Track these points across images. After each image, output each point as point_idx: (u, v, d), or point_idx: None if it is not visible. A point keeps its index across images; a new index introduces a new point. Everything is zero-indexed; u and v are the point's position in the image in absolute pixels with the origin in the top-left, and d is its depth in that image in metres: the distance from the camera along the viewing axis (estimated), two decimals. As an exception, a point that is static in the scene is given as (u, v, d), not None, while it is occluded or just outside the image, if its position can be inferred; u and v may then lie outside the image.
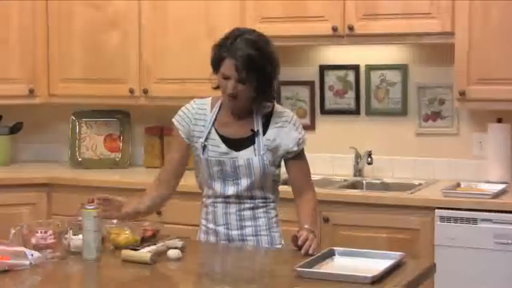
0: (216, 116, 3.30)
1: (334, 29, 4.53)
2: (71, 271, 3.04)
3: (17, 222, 3.45)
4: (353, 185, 4.74)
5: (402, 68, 4.83)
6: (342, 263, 2.91)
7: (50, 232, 3.06)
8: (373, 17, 4.49)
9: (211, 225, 3.32)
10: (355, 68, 4.93)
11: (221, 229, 3.29)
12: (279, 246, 3.29)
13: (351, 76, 4.96)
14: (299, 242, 3.07)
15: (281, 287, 2.75)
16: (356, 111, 4.95)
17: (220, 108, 3.31)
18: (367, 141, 4.89)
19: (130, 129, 5.48)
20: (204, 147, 3.26)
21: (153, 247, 3.06)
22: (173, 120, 3.38)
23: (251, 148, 3.23)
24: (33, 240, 3.03)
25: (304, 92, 5.04)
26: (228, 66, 3.14)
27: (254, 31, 3.24)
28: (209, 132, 3.27)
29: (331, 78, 5.00)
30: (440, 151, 4.77)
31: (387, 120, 4.89)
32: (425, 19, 4.38)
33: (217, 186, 3.27)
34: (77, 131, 5.48)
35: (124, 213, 3.27)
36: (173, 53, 4.96)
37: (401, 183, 4.68)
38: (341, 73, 4.97)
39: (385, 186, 4.72)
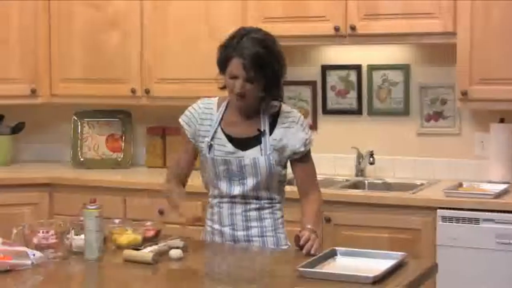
0: (222, 116, 3.30)
1: (336, 29, 4.53)
2: (73, 271, 3.04)
3: (19, 222, 3.46)
4: (355, 185, 4.74)
5: (404, 68, 4.83)
6: (344, 263, 2.91)
7: (52, 232, 3.06)
8: (375, 17, 4.49)
9: (216, 226, 3.31)
10: (357, 68, 4.93)
11: (227, 229, 3.28)
12: (285, 247, 3.28)
13: (353, 76, 4.96)
14: (301, 242, 3.07)
15: (283, 287, 2.75)
16: (358, 111, 4.95)
17: (226, 107, 3.31)
18: (369, 141, 4.89)
19: (132, 129, 5.48)
20: (210, 147, 3.25)
21: (155, 247, 3.06)
22: (180, 120, 3.39)
23: (257, 148, 3.22)
24: (35, 240, 3.03)
25: (306, 92, 5.04)
26: (235, 65, 3.13)
27: (260, 29, 3.23)
28: (215, 132, 3.27)
29: (333, 78, 5.00)
30: (442, 151, 4.77)
31: (389, 120, 4.89)
32: (427, 19, 4.38)
33: (223, 186, 3.26)
34: (79, 131, 5.48)
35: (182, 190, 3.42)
36: (174, 53, 4.96)
37: (403, 183, 4.67)
38: (343, 73, 4.97)
39: (387, 186, 4.72)
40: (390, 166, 4.87)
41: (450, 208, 4.12)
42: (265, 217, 3.28)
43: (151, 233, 3.26)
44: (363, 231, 4.23)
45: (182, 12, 4.93)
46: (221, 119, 3.29)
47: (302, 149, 3.25)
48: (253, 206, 3.26)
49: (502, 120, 4.53)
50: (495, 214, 4.03)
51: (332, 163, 4.93)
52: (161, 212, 4.66)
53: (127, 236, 3.19)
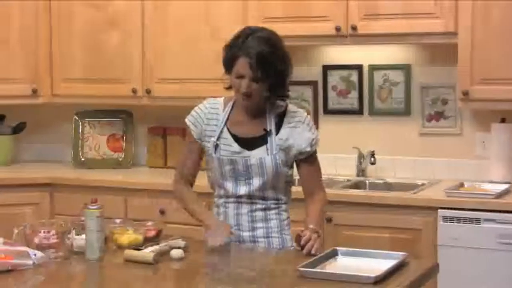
0: (228, 116, 3.29)
1: (337, 29, 4.53)
2: (74, 271, 3.04)
3: (20, 222, 3.46)
4: (356, 185, 4.74)
5: (405, 68, 4.83)
6: (345, 263, 2.91)
7: (53, 232, 3.07)
8: (376, 17, 4.48)
9: None
10: (358, 68, 4.93)
11: (232, 230, 3.27)
12: (291, 249, 3.27)
13: (354, 76, 4.95)
14: (302, 242, 3.07)
15: (284, 287, 2.74)
16: (359, 111, 4.95)
17: (232, 107, 3.30)
18: (370, 141, 4.89)
19: (133, 129, 5.48)
20: (216, 146, 3.25)
21: (156, 247, 3.06)
22: (186, 120, 3.37)
23: (263, 148, 3.21)
24: (36, 240, 3.04)
25: (307, 92, 5.04)
26: (242, 65, 3.12)
27: (264, 29, 3.23)
28: (221, 132, 3.26)
29: (334, 78, 5.00)
30: (443, 151, 4.77)
31: (390, 120, 4.89)
32: (428, 19, 4.38)
33: (229, 186, 3.26)
34: (80, 131, 5.48)
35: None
36: (174, 53, 4.96)
37: (404, 183, 4.67)
38: (344, 73, 4.97)
39: (388, 186, 4.71)
40: (391, 166, 4.87)
41: (451, 208, 4.12)
42: (271, 218, 3.27)
43: (152, 233, 3.26)
44: (364, 231, 4.23)
45: (183, 12, 4.93)
46: (227, 119, 3.28)
47: (308, 149, 3.25)
48: (259, 206, 3.26)
49: (503, 120, 4.53)
50: (496, 214, 4.03)
51: (333, 163, 4.93)
52: (162, 212, 4.66)
53: (128, 236, 3.19)
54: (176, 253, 3.04)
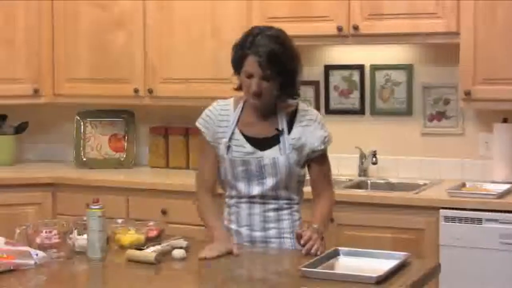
0: (239, 116, 3.28)
1: (339, 29, 4.53)
2: (76, 270, 3.04)
3: (22, 222, 3.47)
4: (358, 185, 4.73)
5: (407, 68, 4.83)
6: (347, 263, 2.91)
7: (55, 232, 3.07)
8: (378, 17, 4.48)
9: (233, 226, 3.29)
10: (360, 68, 4.93)
11: (244, 230, 3.26)
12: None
13: (356, 76, 4.95)
14: (302, 242, 3.06)
15: (286, 287, 2.74)
16: (361, 111, 4.95)
17: (243, 108, 3.29)
18: (372, 141, 4.89)
19: (135, 129, 5.48)
20: (228, 147, 3.23)
21: (158, 247, 3.06)
22: (197, 123, 3.34)
23: (276, 148, 3.21)
24: (38, 240, 3.04)
25: (309, 92, 5.03)
26: (251, 64, 3.12)
27: (273, 28, 3.22)
28: (232, 133, 3.25)
29: (336, 78, 5.00)
30: (445, 151, 4.77)
31: (392, 120, 4.89)
32: (430, 19, 4.38)
33: (241, 186, 3.24)
34: (82, 131, 5.48)
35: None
36: (179, 53, 4.97)
37: (406, 183, 4.67)
38: (346, 73, 4.97)
39: (390, 186, 4.71)
40: (393, 166, 4.87)
41: (453, 208, 4.11)
42: (284, 218, 3.26)
43: (154, 233, 3.26)
44: (366, 231, 4.23)
45: (187, 12, 4.93)
46: (238, 119, 3.27)
47: (321, 147, 3.25)
48: (271, 206, 3.24)
49: (505, 120, 4.53)
50: (498, 214, 4.02)
51: (335, 163, 4.86)
52: (164, 212, 4.67)
53: (130, 236, 3.19)
54: (178, 253, 3.04)
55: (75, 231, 3.13)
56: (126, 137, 5.47)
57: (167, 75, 5.01)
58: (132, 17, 5.08)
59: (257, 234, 3.25)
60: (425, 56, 4.79)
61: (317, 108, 5.03)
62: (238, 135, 3.25)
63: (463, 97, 4.38)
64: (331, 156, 4.89)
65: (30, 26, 5.23)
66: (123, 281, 2.88)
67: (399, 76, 4.85)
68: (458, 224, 4.09)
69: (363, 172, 4.88)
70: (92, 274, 3.02)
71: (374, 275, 2.66)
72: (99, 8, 5.16)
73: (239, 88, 3.25)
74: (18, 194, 4.92)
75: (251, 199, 3.24)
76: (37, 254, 2.94)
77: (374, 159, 4.84)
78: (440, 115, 4.78)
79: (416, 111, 4.83)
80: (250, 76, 3.14)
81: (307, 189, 3.36)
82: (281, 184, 3.22)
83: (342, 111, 4.99)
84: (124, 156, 5.44)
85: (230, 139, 3.24)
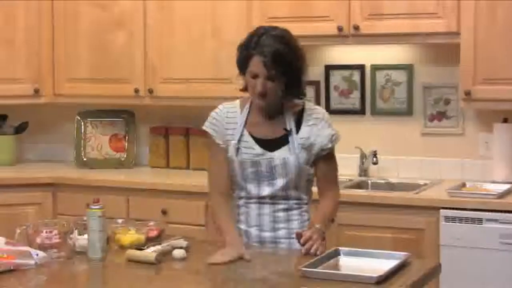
0: (246, 118, 3.27)
1: (340, 29, 4.53)
2: (76, 270, 3.04)
3: (23, 222, 3.47)
4: (358, 185, 4.73)
5: (408, 68, 4.83)
6: (347, 263, 2.91)
7: (55, 232, 3.07)
8: (378, 17, 4.48)
9: (242, 226, 3.28)
10: (361, 68, 4.93)
11: (253, 230, 3.25)
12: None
13: (356, 76, 4.95)
14: (302, 241, 3.06)
15: (286, 287, 2.74)
16: (361, 111, 4.95)
17: (250, 109, 3.28)
18: (372, 141, 4.89)
19: (135, 129, 5.48)
20: (238, 149, 3.22)
21: (158, 247, 3.06)
22: (204, 127, 3.33)
23: (286, 148, 3.20)
24: (38, 240, 3.04)
25: (309, 92, 5.02)
26: (256, 64, 3.11)
27: (277, 27, 3.21)
28: (241, 134, 3.24)
29: (336, 78, 5.00)
30: (445, 151, 4.77)
31: (392, 120, 4.89)
32: (431, 19, 4.38)
33: (251, 187, 3.24)
34: (83, 131, 5.48)
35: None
36: (179, 53, 4.97)
37: (406, 183, 4.67)
38: (347, 73, 4.97)
39: (390, 186, 4.71)
40: (393, 166, 4.87)
41: (453, 208, 4.11)
42: (293, 219, 3.25)
43: (154, 233, 3.26)
44: (366, 231, 4.23)
45: (188, 12, 4.93)
46: (246, 121, 3.26)
47: (329, 145, 3.24)
48: (281, 206, 3.24)
49: (505, 120, 4.53)
50: (499, 214, 4.02)
51: (336, 163, 4.92)
52: (164, 212, 4.67)
53: (130, 236, 3.19)
54: (178, 253, 3.04)
55: (76, 231, 3.13)
56: (126, 137, 5.47)
57: (167, 75, 5.01)
58: (132, 17, 5.09)
59: (267, 234, 3.24)
60: (425, 56, 4.79)
61: (318, 108, 5.03)
62: (247, 137, 3.24)
63: (464, 97, 4.38)
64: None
65: (30, 26, 5.24)
66: (123, 281, 2.88)
67: (400, 76, 4.85)
68: (458, 224, 4.09)
69: (363, 172, 4.88)
70: (93, 274, 3.02)
71: (375, 275, 2.66)
72: (99, 8, 5.16)
73: (244, 89, 3.24)
74: (19, 194, 4.93)
75: (260, 199, 3.24)
76: (37, 254, 2.94)
77: (374, 159, 4.84)
78: (441, 115, 4.78)
79: (416, 111, 4.83)
80: (255, 76, 3.13)
81: (316, 188, 3.35)
82: (291, 184, 3.21)
83: (342, 111, 4.99)
84: (125, 156, 5.44)
85: (239, 140, 3.23)
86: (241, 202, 3.28)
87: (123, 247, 3.13)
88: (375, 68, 4.90)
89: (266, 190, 3.22)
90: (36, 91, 5.26)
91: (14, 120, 5.56)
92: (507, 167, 4.49)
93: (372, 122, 4.94)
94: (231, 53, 4.60)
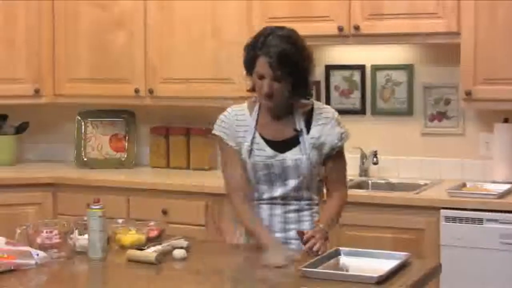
0: (257, 120, 3.25)
1: (340, 29, 4.53)
2: (77, 270, 3.04)
3: (23, 222, 3.47)
4: (359, 185, 4.73)
5: (408, 68, 4.83)
6: (348, 263, 2.91)
7: (55, 232, 3.07)
8: (378, 17, 4.48)
9: None
10: (361, 68, 4.93)
11: None
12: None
13: (356, 76, 4.95)
14: (304, 239, 3.06)
15: (286, 287, 2.74)
16: (361, 111, 4.95)
17: (259, 111, 3.27)
18: (372, 141, 4.88)
19: (135, 129, 5.48)
20: (250, 151, 3.21)
21: (158, 247, 3.06)
22: (214, 131, 3.30)
23: (297, 148, 3.19)
24: (39, 240, 3.04)
25: (309, 92, 5.03)
26: (262, 65, 3.10)
27: (284, 27, 3.20)
28: (253, 137, 3.22)
29: (336, 78, 5.00)
30: (446, 151, 4.76)
31: (392, 120, 4.89)
32: (431, 19, 4.38)
33: (263, 189, 3.23)
34: (83, 131, 5.48)
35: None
36: (179, 53, 4.97)
37: (406, 183, 4.67)
38: (347, 73, 4.97)
39: (391, 186, 4.71)
40: (393, 166, 4.87)
41: (453, 208, 4.11)
42: (305, 220, 3.24)
43: (154, 233, 3.26)
44: (366, 231, 4.22)
45: (188, 12, 4.93)
46: (256, 123, 3.24)
47: (340, 143, 3.24)
48: (292, 207, 3.23)
49: (506, 120, 4.53)
50: (499, 214, 4.02)
51: (336, 163, 4.92)
52: (164, 212, 4.67)
53: (131, 236, 3.19)
54: (178, 253, 3.04)
55: (76, 231, 3.13)
56: (126, 137, 5.47)
57: (167, 75, 5.01)
58: (132, 17, 5.08)
59: (277, 235, 3.22)
60: (425, 56, 4.79)
61: (318, 108, 5.03)
62: (258, 139, 3.23)
63: (464, 97, 4.37)
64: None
65: (31, 26, 5.23)
66: (123, 281, 2.88)
67: (400, 76, 4.85)
68: (458, 224, 4.09)
69: (364, 172, 4.88)
70: (93, 274, 3.02)
71: (375, 275, 2.66)
72: (100, 8, 5.16)
73: (252, 90, 3.23)
74: (19, 194, 4.92)
75: (272, 200, 3.23)
76: (37, 254, 2.94)
77: (375, 159, 4.84)
78: (441, 115, 4.78)
79: (416, 111, 4.83)
80: (261, 77, 3.12)
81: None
82: (304, 185, 3.21)
83: (342, 111, 4.90)
84: (125, 156, 5.44)
85: (252, 143, 3.22)
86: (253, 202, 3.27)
87: (123, 247, 3.13)
88: (376, 68, 4.90)
89: (278, 191, 3.22)
90: (37, 91, 5.26)
91: (14, 120, 5.56)
92: (507, 167, 4.49)
93: (372, 122, 4.94)
94: (231, 53, 4.61)
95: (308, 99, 3.27)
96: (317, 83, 5.02)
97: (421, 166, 4.81)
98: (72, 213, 4.31)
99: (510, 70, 4.25)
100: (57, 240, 3.05)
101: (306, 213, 3.25)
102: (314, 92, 4.99)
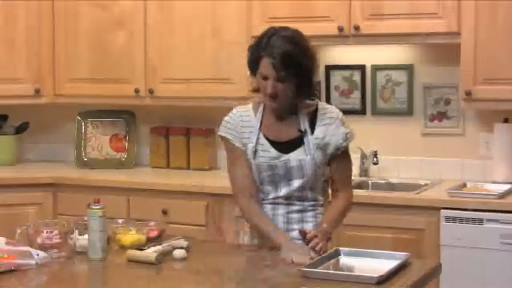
0: (261, 121, 3.25)
1: (340, 29, 4.53)
2: (77, 271, 3.04)
3: (23, 222, 3.47)
4: (359, 185, 4.73)
5: (408, 68, 4.83)
6: (348, 263, 2.91)
7: (55, 232, 3.07)
8: (379, 17, 4.48)
9: None
10: (361, 68, 4.93)
11: None
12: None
13: (357, 76, 4.95)
14: (307, 238, 3.05)
15: (286, 287, 2.74)
16: (362, 111, 4.95)
17: (263, 112, 3.26)
18: (372, 141, 4.88)
19: (135, 129, 5.48)
20: (255, 152, 3.21)
21: (158, 247, 3.06)
22: (220, 133, 3.29)
23: (301, 149, 3.19)
24: (39, 240, 3.04)
25: (309, 92, 5.03)
26: (265, 65, 3.09)
27: (288, 28, 3.19)
28: (258, 138, 3.22)
29: (337, 78, 5.00)
30: (446, 151, 4.76)
31: (392, 120, 4.89)
32: (431, 19, 4.38)
33: (267, 189, 3.23)
34: (83, 131, 5.48)
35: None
36: (179, 53, 4.97)
37: (406, 183, 4.67)
38: (347, 73, 4.97)
39: (391, 186, 4.71)
40: (394, 166, 4.87)
41: (454, 208, 4.11)
42: (308, 220, 3.24)
43: (154, 233, 3.26)
44: (366, 231, 4.22)
45: (188, 12, 4.93)
46: (261, 124, 3.24)
47: (345, 143, 3.24)
48: (295, 208, 3.23)
49: (506, 120, 4.53)
50: (499, 214, 4.02)
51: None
52: (164, 212, 4.67)
53: (131, 236, 3.19)
54: (178, 253, 3.04)
55: (76, 231, 3.13)
56: (127, 137, 5.47)
57: (167, 75, 5.01)
58: (132, 17, 5.09)
59: None
60: (426, 56, 4.79)
61: (318, 108, 5.03)
62: (263, 140, 3.22)
63: (464, 97, 4.38)
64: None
65: (31, 26, 5.24)
66: (123, 281, 2.88)
67: (400, 76, 4.85)
68: (458, 224, 4.09)
69: (364, 172, 4.88)
70: (93, 274, 3.02)
71: (375, 275, 2.66)
72: (100, 8, 5.16)
73: (256, 90, 3.22)
74: (19, 194, 4.92)
75: (275, 200, 3.23)
76: (38, 254, 2.94)
77: (375, 159, 4.84)
78: (441, 115, 4.78)
79: (417, 111, 4.83)
80: (265, 78, 3.11)
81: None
82: (308, 185, 3.21)
83: (343, 111, 4.90)
84: (125, 156, 5.44)
85: (256, 143, 3.21)
86: None
87: (123, 247, 3.13)
88: (376, 68, 4.90)
89: (282, 191, 3.21)
90: (37, 91, 5.26)
91: (14, 120, 5.56)
92: (507, 167, 4.49)
93: (372, 122, 4.94)
94: (231, 53, 4.62)
95: (313, 99, 3.27)
96: (317, 83, 5.02)
97: (421, 166, 4.81)
98: (72, 213, 4.31)
99: (510, 70, 4.26)
100: (57, 240, 3.05)
101: (309, 214, 3.25)
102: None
